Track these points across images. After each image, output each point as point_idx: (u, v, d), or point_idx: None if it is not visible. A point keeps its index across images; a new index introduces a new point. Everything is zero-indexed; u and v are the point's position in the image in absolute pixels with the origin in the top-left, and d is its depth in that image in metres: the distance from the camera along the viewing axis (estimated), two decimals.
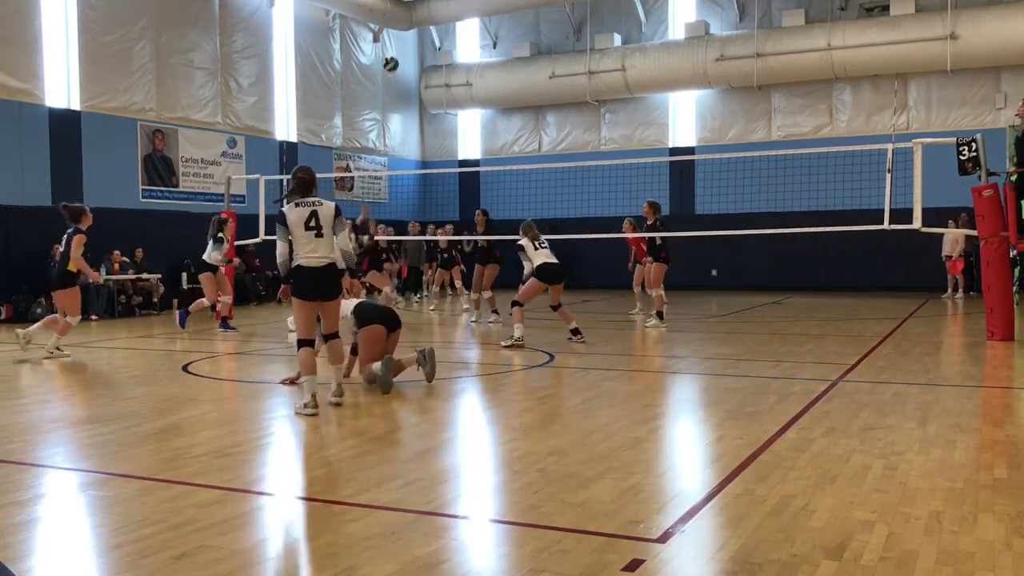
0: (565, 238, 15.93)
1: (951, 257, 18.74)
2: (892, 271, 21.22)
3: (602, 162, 18.53)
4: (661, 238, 13.55)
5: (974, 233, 11.93)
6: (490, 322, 14.32)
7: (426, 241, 19.27)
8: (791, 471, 4.92)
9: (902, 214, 12.06)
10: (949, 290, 18.89)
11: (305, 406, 6.62)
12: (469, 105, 25.85)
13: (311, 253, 6.74)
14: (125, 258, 16.95)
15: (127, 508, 4.38)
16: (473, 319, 14.86)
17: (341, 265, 7.02)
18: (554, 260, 11.40)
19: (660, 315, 13.33)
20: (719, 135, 23.41)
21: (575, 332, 11.31)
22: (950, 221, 17.69)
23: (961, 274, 18.67)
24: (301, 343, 6.87)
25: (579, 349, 10.69)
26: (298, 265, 6.75)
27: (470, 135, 26.82)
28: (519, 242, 11.53)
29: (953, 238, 18.30)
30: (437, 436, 6.24)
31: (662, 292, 13.43)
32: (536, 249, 11.41)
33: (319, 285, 6.79)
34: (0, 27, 15.81)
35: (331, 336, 7.03)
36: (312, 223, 6.72)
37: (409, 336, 10.45)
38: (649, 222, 13.40)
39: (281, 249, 6.78)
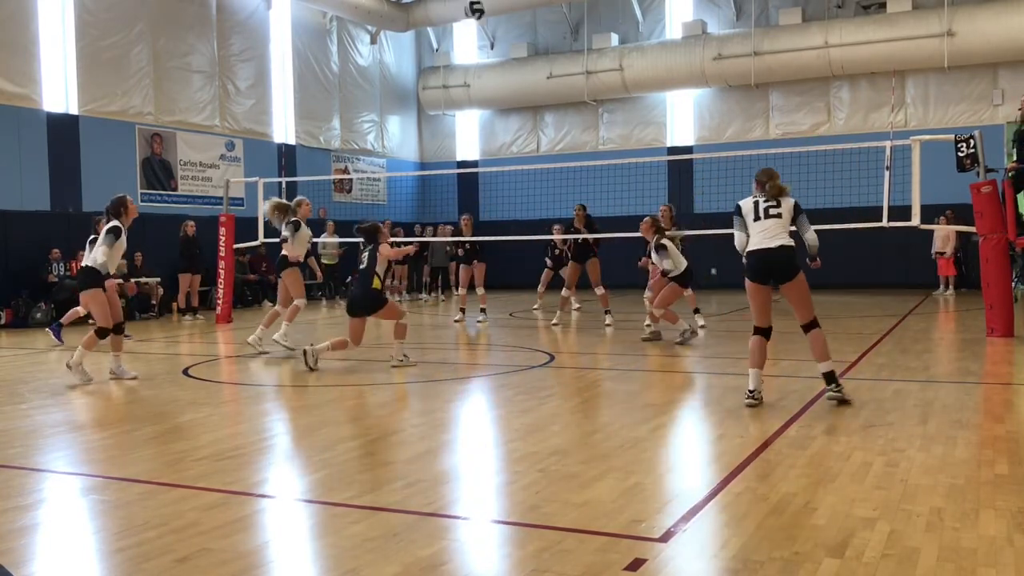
0: (565, 238, 15.92)
1: (942, 254, 18.77)
2: (891, 268, 21.20)
3: (600, 162, 18.52)
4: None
5: (969, 229, 11.93)
6: (479, 321, 14.47)
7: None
8: (792, 469, 4.92)
9: (900, 211, 12.08)
10: (941, 287, 18.94)
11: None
12: (467, 106, 25.84)
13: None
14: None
15: (129, 512, 4.38)
16: (456, 318, 14.87)
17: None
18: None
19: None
20: (717, 134, 23.40)
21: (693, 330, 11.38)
22: (940, 218, 17.71)
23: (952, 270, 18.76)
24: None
25: (578, 349, 10.67)
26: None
27: (468, 136, 26.80)
28: (661, 241, 11.11)
29: (944, 235, 18.33)
30: (438, 437, 6.24)
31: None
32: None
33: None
34: None
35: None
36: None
37: (415, 335, 10.45)
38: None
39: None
